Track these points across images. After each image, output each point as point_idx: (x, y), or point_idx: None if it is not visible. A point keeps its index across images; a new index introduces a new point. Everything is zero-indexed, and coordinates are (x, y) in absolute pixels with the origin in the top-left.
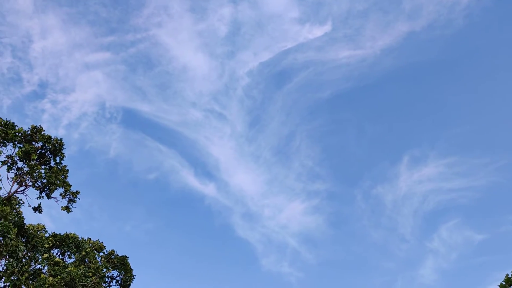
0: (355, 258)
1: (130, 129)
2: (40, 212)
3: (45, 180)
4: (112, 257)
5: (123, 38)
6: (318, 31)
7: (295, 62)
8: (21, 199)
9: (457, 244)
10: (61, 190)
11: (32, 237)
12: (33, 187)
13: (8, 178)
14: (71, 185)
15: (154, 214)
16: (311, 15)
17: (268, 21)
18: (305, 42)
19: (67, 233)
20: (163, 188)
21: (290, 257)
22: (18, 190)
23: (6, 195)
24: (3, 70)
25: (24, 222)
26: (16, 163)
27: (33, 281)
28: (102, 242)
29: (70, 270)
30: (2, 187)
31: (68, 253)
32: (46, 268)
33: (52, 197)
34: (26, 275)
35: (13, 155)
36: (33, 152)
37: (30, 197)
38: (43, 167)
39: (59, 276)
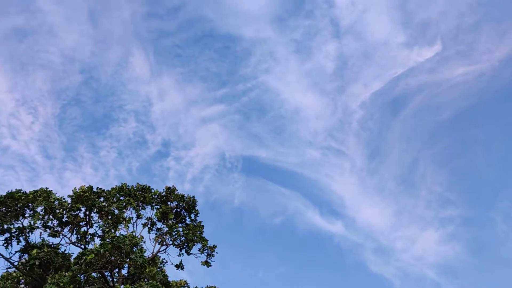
0: (503, 285)
1: (251, 176)
2: (182, 269)
3: (183, 238)
4: None
5: (234, 88)
6: (428, 53)
7: (408, 88)
8: (164, 258)
9: None
10: (199, 245)
11: None
12: (173, 245)
13: (150, 239)
14: (207, 240)
15: (284, 257)
16: (418, 37)
17: (374, 50)
18: (416, 65)
19: (208, 286)
20: (291, 231)
21: None
22: (160, 249)
23: (150, 255)
24: (129, 135)
25: (168, 279)
26: (156, 224)
27: None
28: None
29: None
30: (146, 249)
31: None
32: None
33: (191, 253)
34: None
35: (152, 217)
36: (170, 212)
37: (171, 255)
38: (180, 225)
39: None
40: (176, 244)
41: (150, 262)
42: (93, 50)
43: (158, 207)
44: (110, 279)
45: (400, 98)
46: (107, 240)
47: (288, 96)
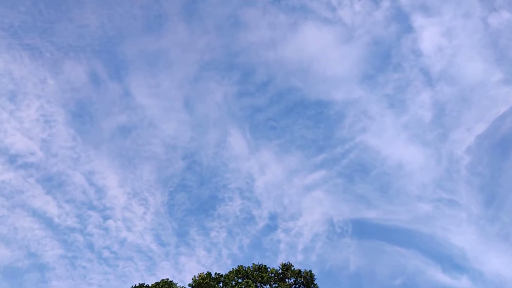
0: None
1: (364, 238)
2: None
3: None
4: None
5: (333, 152)
6: None
7: None
8: None
9: None
10: None
11: None
12: None
13: None
14: None
15: None
16: None
17: (471, 92)
18: None
19: None
20: None
21: None
22: None
23: None
24: (236, 213)
25: None
26: None
27: None
28: None
29: None
30: None
31: None
32: None
33: None
34: None
35: None
36: None
37: None
38: None
39: None
40: None
41: None
42: (192, 136)
43: (276, 285)
44: None
45: (508, 137)
46: None
47: (388, 152)
